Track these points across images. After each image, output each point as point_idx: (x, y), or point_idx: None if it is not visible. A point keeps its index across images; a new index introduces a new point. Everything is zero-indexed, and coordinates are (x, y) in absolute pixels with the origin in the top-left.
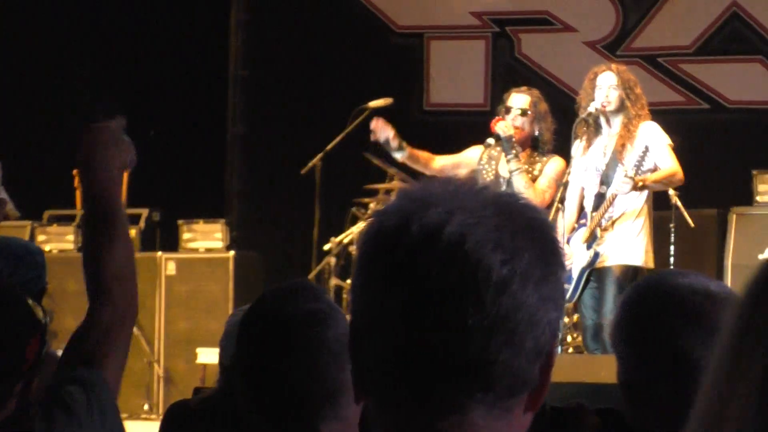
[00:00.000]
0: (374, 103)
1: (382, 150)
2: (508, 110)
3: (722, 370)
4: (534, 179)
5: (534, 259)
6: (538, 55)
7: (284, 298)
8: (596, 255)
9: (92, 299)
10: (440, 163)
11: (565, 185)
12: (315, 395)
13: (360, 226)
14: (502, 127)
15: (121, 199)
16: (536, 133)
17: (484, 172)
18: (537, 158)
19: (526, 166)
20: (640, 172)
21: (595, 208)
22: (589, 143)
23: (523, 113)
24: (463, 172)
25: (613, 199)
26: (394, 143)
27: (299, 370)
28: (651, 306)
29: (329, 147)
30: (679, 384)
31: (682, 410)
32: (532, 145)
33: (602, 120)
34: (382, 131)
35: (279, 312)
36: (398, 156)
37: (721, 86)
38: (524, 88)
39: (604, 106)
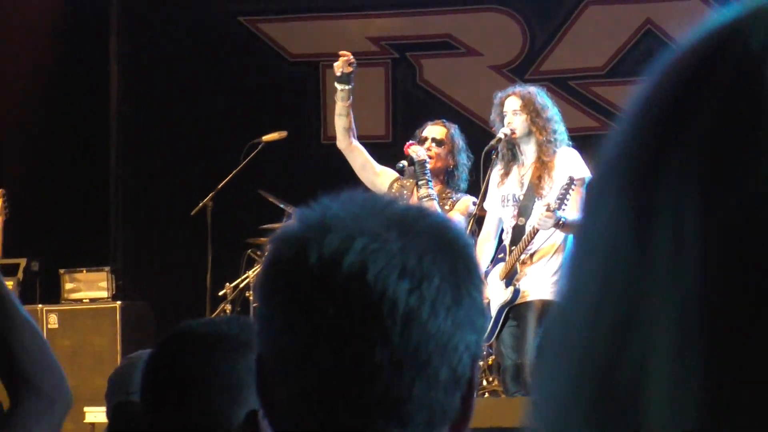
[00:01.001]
0: (268, 137)
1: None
2: (422, 141)
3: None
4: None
5: (445, 283)
6: (442, 82)
7: (202, 324)
8: (516, 292)
9: (13, 391)
10: (357, 144)
11: (479, 219)
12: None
13: (257, 269)
14: (416, 149)
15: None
16: (451, 167)
17: None
18: (449, 194)
19: (434, 194)
20: (564, 205)
21: (514, 241)
22: (507, 171)
23: (438, 144)
24: (365, 176)
25: (535, 233)
26: (347, 69)
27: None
28: None
29: (221, 185)
30: None
31: None
32: (446, 180)
33: (516, 147)
34: (348, 60)
35: (188, 334)
36: (340, 88)
37: None
38: (440, 121)
39: (514, 133)
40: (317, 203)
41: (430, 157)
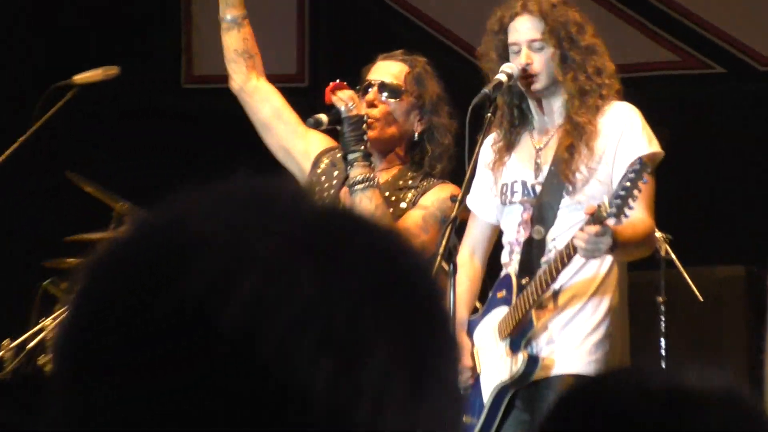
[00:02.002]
0: (83, 77)
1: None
2: (367, 87)
3: None
4: (398, 214)
5: (395, 358)
6: None
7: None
8: (532, 360)
9: None
10: (264, 83)
11: (462, 226)
12: None
13: (59, 315)
14: (346, 96)
15: None
16: (416, 133)
17: (318, 188)
18: (410, 181)
19: (374, 178)
20: (628, 208)
21: (525, 268)
22: (509, 143)
23: (392, 93)
24: (276, 140)
25: (567, 257)
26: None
27: None
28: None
29: None
30: None
31: None
32: (408, 157)
33: (530, 100)
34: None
35: None
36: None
37: (747, 37)
38: (399, 51)
39: (530, 72)
40: (172, 198)
41: (376, 120)
